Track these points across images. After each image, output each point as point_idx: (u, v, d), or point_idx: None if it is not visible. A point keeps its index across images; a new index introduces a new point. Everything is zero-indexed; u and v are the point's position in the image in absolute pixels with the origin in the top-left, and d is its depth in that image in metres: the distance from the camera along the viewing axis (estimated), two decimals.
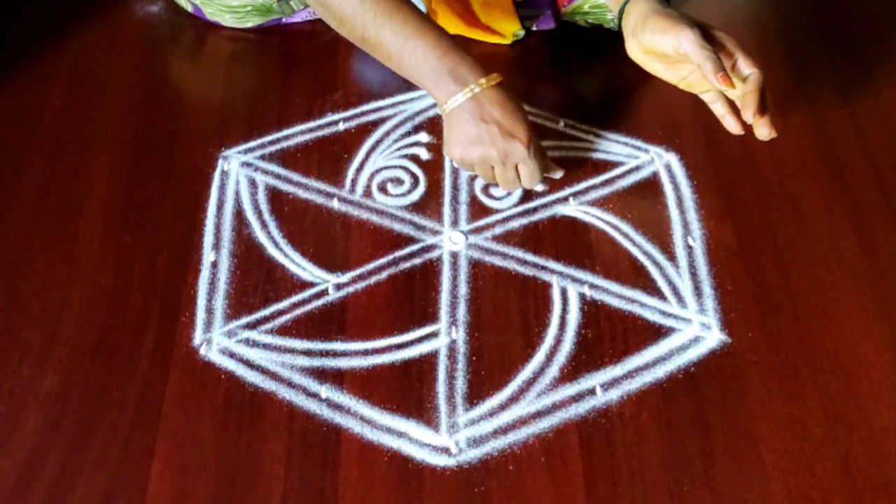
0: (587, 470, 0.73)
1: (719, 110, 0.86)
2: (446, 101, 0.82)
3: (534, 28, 1.05)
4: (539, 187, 0.89)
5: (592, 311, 0.83)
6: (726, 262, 0.86)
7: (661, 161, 0.95)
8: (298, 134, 0.96)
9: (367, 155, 0.95)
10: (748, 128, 0.83)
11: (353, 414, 0.76)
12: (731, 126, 0.85)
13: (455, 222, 0.89)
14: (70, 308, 0.82)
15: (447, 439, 0.75)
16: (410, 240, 0.88)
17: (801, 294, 0.84)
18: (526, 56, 1.05)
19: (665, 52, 0.81)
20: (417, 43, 0.82)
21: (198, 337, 0.80)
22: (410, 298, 0.83)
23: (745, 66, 0.81)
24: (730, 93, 0.83)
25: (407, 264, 0.86)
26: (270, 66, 1.04)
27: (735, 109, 0.85)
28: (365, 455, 0.74)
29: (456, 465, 0.73)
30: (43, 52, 1.04)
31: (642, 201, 0.91)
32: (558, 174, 0.89)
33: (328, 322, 0.81)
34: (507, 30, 1.03)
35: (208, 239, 0.87)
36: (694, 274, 0.86)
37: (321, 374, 0.78)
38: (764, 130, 0.81)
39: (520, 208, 0.90)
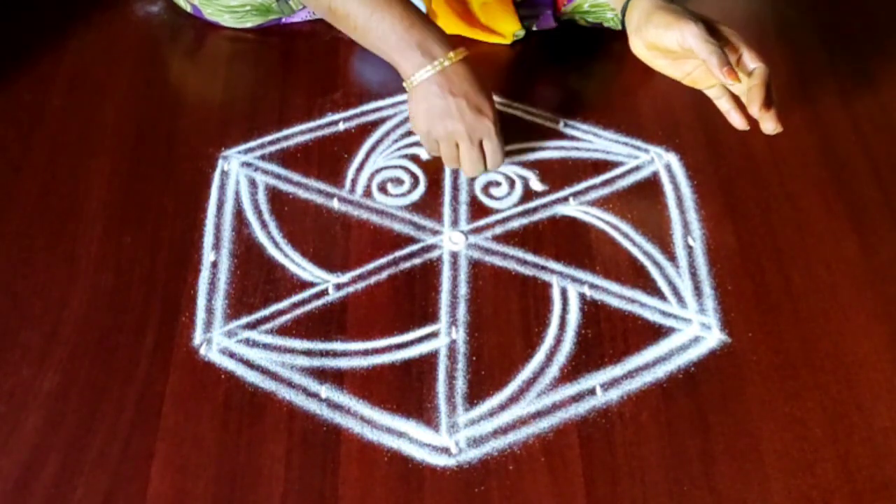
0: (587, 470, 0.73)
1: (724, 106, 0.86)
2: (413, 74, 0.82)
3: (534, 28, 1.05)
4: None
5: (592, 311, 0.83)
6: (726, 262, 0.86)
7: (661, 161, 0.95)
8: (298, 134, 0.96)
9: (367, 155, 0.95)
10: (753, 123, 0.83)
11: (353, 414, 0.76)
12: (737, 122, 0.85)
13: (455, 222, 0.89)
14: (70, 308, 0.82)
15: (447, 439, 0.75)
16: (410, 240, 0.88)
17: (801, 294, 0.84)
18: (526, 56, 1.05)
19: (669, 47, 0.81)
20: (384, 14, 0.82)
21: (198, 337, 0.80)
22: (410, 298, 0.83)
23: (751, 61, 0.81)
24: (734, 88, 0.82)
25: (407, 264, 0.86)
26: (270, 66, 1.04)
27: (740, 105, 0.85)
28: (365, 455, 0.74)
29: (456, 465, 0.73)
30: (43, 52, 1.04)
31: (642, 201, 0.91)
32: (504, 166, 0.90)
33: (328, 322, 0.81)
34: (507, 30, 1.03)
35: (208, 239, 0.87)
36: (694, 274, 0.86)
37: (321, 374, 0.78)
38: (770, 125, 0.81)
39: (520, 208, 0.90)
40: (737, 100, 0.85)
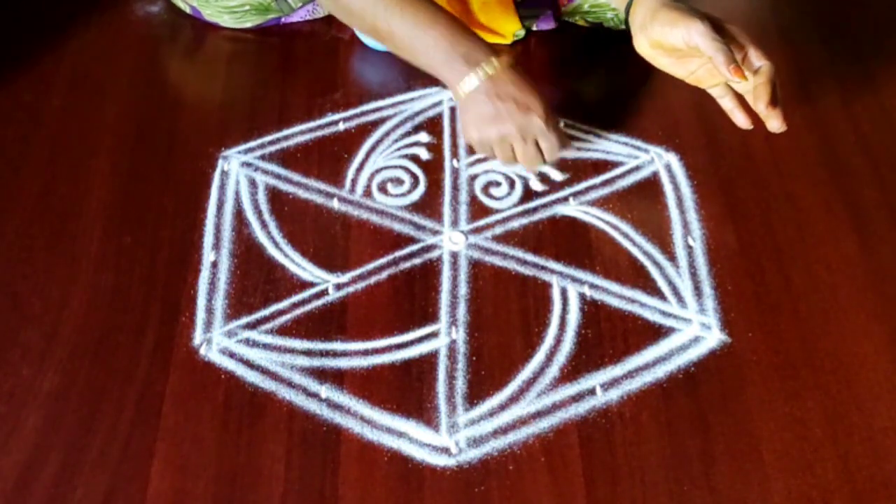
0: (587, 470, 0.73)
1: (728, 105, 0.85)
2: (461, 85, 0.83)
3: (534, 28, 1.05)
4: (558, 176, 0.89)
5: (592, 311, 0.83)
6: (726, 262, 0.86)
7: (661, 161, 0.95)
8: (298, 134, 0.96)
9: (367, 155, 0.95)
10: (757, 122, 0.83)
11: (353, 414, 0.76)
12: (741, 121, 0.85)
13: (455, 222, 0.89)
14: (70, 308, 0.82)
15: (447, 439, 0.75)
16: (410, 240, 0.88)
17: (801, 294, 0.84)
18: (526, 56, 1.05)
19: (675, 44, 0.81)
20: (429, 32, 0.82)
21: (198, 337, 0.80)
22: (410, 298, 0.83)
23: (756, 58, 0.80)
24: (738, 87, 0.82)
25: (407, 264, 0.86)
26: (270, 66, 1.04)
27: (743, 104, 0.84)
28: (365, 455, 0.74)
29: (456, 465, 0.73)
30: (43, 52, 1.04)
31: (642, 201, 0.91)
32: (571, 152, 0.91)
33: (328, 322, 0.81)
34: (507, 29, 1.03)
35: (208, 239, 0.87)
36: (694, 274, 0.86)
37: (321, 374, 0.78)
38: (776, 122, 0.80)
39: (520, 208, 0.90)
40: (740, 99, 0.85)
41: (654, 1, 0.82)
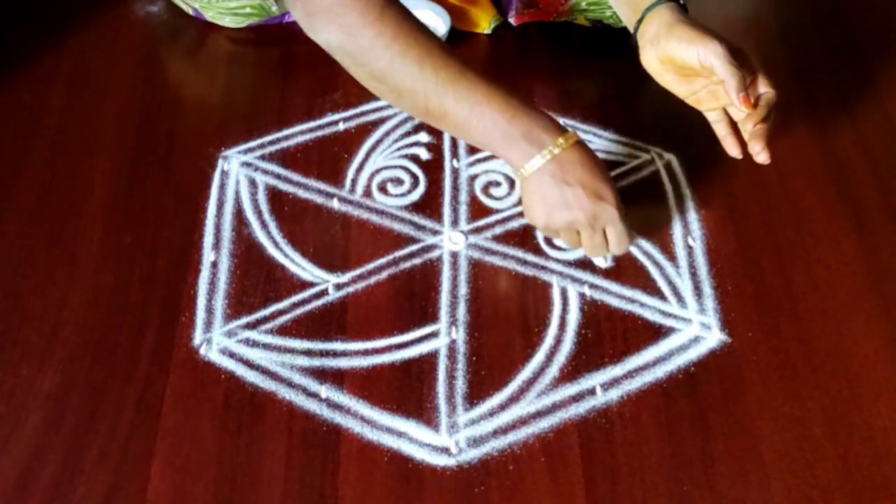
0: (587, 470, 0.73)
1: (721, 131, 0.84)
2: (524, 165, 0.77)
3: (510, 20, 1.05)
4: (605, 263, 0.86)
5: (592, 311, 0.83)
6: (726, 262, 0.86)
7: (661, 161, 0.95)
8: (298, 134, 0.96)
9: (367, 155, 0.95)
10: (746, 152, 0.82)
11: (353, 414, 0.76)
12: (731, 148, 0.83)
13: (455, 222, 0.89)
14: (70, 308, 0.82)
15: (447, 439, 0.75)
16: (410, 240, 0.88)
17: (801, 294, 0.84)
18: (526, 56, 1.05)
19: (687, 62, 0.79)
20: (484, 109, 0.76)
21: (198, 337, 0.80)
22: (410, 298, 0.83)
23: (763, 86, 0.79)
24: (735, 114, 0.82)
25: (407, 264, 0.86)
26: (270, 66, 1.04)
27: (737, 132, 0.83)
28: (365, 455, 0.74)
29: (456, 465, 0.73)
30: (43, 52, 1.04)
31: (642, 201, 0.91)
32: (635, 241, 0.86)
33: (328, 322, 0.81)
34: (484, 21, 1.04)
35: (208, 239, 0.87)
36: (694, 274, 0.86)
37: (321, 374, 0.78)
38: (758, 146, 0.79)
39: (520, 208, 0.90)
40: (734, 126, 0.84)
41: (671, 16, 0.80)
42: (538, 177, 0.77)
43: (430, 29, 0.80)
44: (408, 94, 0.78)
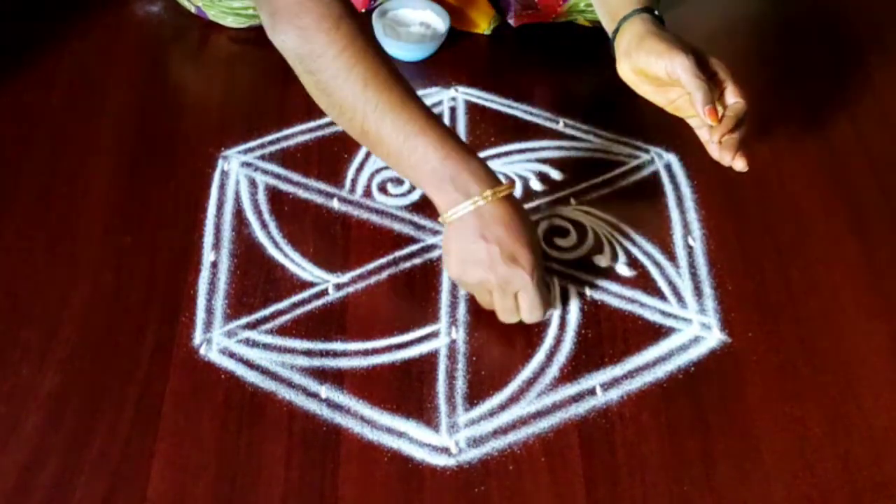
0: (587, 470, 0.73)
1: (704, 136, 0.84)
2: (447, 211, 0.75)
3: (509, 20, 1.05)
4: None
5: (592, 311, 0.83)
6: (726, 262, 0.86)
7: (661, 161, 0.95)
8: (298, 134, 0.96)
9: (367, 155, 0.95)
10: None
11: (353, 414, 0.76)
12: (715, 153, 0.83)
13: None
14: (70, 308, 0.82)
15: (447, 439, 0.75)
16: (410, 240, 0.88)
17: (801, 294, 0.84)
18: (526, 56, 1.05)
19: (657, 74, 0.79)
20: (419, 142, 0.75)
21: (198, 337, 0.80)
22: (410, 298, 0.83)
23: (732, 95, 0.79)
24: (701, 124, 0.82)
25: (407, 264, 0.86)
26: (270, 66, 1.03)
27: None
28: (365, 455, 0.74)
29: (456, 465, 0.73)
30: (43, 52, 1.04)
31: (642, 201, 0.91)
32: (549, 313, 0.81)
33: (328, 322, 0.81)
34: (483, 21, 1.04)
35: (208, 239, 0.87)
36: (694, 274, 0.86)
37: (321, 374, 0.78)
38: (728, 156, 0.78)
39: None
40: None
41: (642, 28, 0.81)
42: (458, 226, 0.75)
43: (387, 52, 0.79)
44: (348, 111, 0.77)
